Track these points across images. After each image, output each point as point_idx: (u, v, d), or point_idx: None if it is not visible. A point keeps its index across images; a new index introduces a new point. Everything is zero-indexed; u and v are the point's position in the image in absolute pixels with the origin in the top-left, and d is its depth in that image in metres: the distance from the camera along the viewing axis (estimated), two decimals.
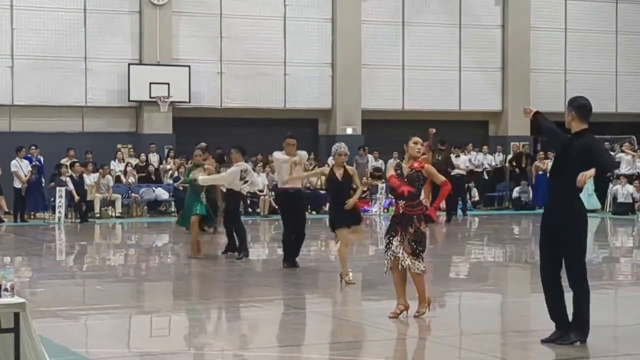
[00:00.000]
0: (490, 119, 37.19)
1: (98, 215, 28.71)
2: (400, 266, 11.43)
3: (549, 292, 10.01)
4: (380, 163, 32.96)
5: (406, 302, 11.59)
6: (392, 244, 11.47)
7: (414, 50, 35.62)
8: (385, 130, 33.60)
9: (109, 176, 29.44)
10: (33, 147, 28.65)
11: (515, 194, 33.74)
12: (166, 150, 31.98)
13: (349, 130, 34.44)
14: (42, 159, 28.94)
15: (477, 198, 33.79)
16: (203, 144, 18.77)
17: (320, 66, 34.66)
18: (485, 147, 35.31)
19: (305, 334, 11.20)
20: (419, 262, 11.41)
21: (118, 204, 29.48)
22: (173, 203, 30.22)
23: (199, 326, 11.97)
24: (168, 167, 30.80)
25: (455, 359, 9.82)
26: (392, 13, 35.47)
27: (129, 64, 32.04)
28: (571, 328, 9.90)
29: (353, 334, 11.25)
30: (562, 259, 9.88)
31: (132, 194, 29.99)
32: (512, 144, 35.98)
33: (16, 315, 7.08)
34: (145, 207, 30.72)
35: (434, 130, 24.09)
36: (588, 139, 9.81)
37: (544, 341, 9.95)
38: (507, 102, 36.81)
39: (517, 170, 34.49)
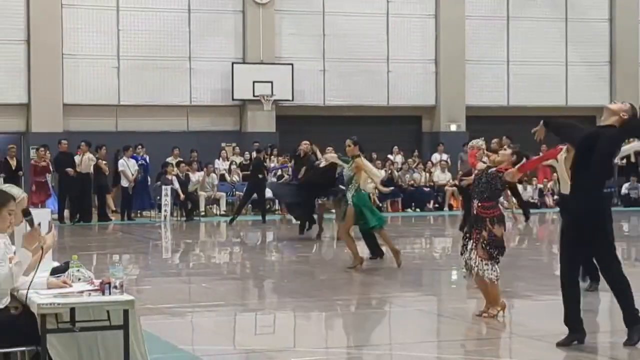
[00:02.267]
0: (598, 114, 36.35)
1: (203, 213, 28.95)
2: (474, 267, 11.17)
3: (569, 293, 9.67)
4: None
5: (503, 302, 11.31)
6: (466, 248, 11.22)
7: (519, 45, 35.18)
8: (490, 127, 33.18)
9: (213, 174, 29.67)
10: (139, 147, 29.00)
11: (624, 190, 33.07)
12: (269, 148, 32.07)
13: (453, 127, 34.17)
14: (147, 158, 29.28)
15: None
16: (354, 137, 17.28)
17: (423, 62, 34.45)
18: None
19: (410, 331, 11.06)
20: (492, 268, 11.02)
21: (223, 202, 29.71)
22: (277, 201, 30.29)
23: (304, 324, 11.93)
24: (272, 165, 30.89)
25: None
26: (496, 8, 35.09)
27: (233, 63, 32.26)
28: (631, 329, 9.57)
29: (459, 331, 11.08)
30: (588, 256, 9.68)
31: (237, 192, 30.15)
32: None
33: (125, 313, 7.11)
34: (250, 205, 30.85)
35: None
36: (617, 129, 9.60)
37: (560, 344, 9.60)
38: (615, 96, 36.00)
39: (629, 164, 33.77)
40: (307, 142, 23.40)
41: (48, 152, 27.38)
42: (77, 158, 27.19)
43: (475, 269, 11.05)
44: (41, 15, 30.37)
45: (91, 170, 27.16)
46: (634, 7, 36.09)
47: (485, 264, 10.98)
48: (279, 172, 28.99)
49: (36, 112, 30.48)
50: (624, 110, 9.74)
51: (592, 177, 9.55)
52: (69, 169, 26.64)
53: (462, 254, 11.30)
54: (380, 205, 29.05)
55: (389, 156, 32.47)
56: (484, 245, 10.99)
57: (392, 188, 14.21)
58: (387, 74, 34.06)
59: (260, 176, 26.68)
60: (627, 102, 10.00)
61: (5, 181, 24.14)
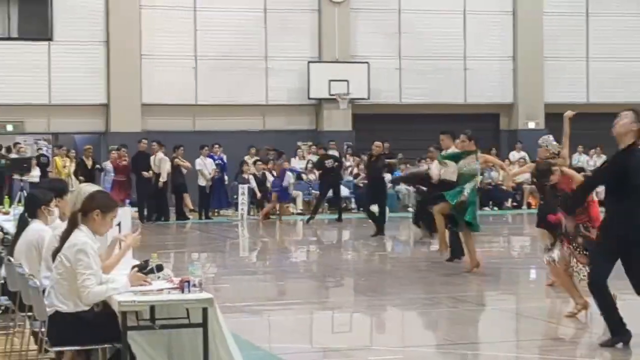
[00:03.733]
0: None
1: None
2: (570, 270, 10.93)
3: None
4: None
5: (585, 300, 11.03)
6: (554, 249, 11.02)
7: (598, 41, 34.71)
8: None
9: (289, 173, 29.72)
10: (216, 146, 29.19)
11: None
12: (345, 147, 32.08)
13: (531, 125, 33.85)
14: (225, 157, 29.45)
15: None
16: (468, 131, 16.66)
17: (501, 59, 34.19)
18: None
19: (489, 331, 10.99)
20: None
21: (299, 201, 29.77)
22: (353, 200, 30.31)
23: (381, 322, 11.92)
24: (347, 163, 30.88)
25: None
26: (575, 4, 34.69)
27: (309, 62, 32.33)
28: None
29: (538, 331, 10.98)
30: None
31: (313, 191, 30.19)
32: None
33: (204, 311, 7.17)
34: (326, 204, 30.86)
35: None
36: None
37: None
38: None
39: None
40: (380, 144, 23.22)
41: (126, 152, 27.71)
42: (152, 158, 27.46)
43: (579, 276, 10.80)
44: (120, 16, 30.74)
45: (167, 169, 27.30)
46: None
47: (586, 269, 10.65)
48: (355, 170, 28.95)
49: (115, 113, 30.86)
50: (632, 122, 9.49)
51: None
52: (145, 172, 26.87)
53: (549, 250, 11.17)
54: None
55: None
56: (582, 252, 10.76)
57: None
58: (464, 72, 33.86)
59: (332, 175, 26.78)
60: (626, 112, 9.68)
61: (83, 181, 24.46)
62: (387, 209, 23.45)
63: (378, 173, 22.80)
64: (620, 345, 9.45)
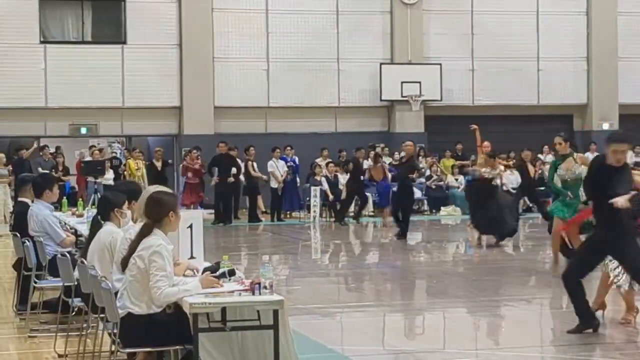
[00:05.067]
0: None
1: (352, 214, 28.97)
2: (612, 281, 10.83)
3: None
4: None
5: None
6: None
7: None
8: None
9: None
10: (288, 148, 29.26)
11: None
12: (417, 149, 31.93)
13: (606, 126, 33.43)
14: (297, 159, 29.52)
15: None
16: (562, 134, 15.64)
17: (574, 60, 33.83)
18: None
19: (559, 334, 10.83)
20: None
21: (370, 203, 29.67)
22: (426, 202, 30.19)
23: (454, 325, 11.84)
24: (421, 165, 30.75)
25: None
26: None
27: (381, 64, 32.28)
28: None
29: (599, 335, 10.80)
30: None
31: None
32: None
33: (275, 313, 7.17)
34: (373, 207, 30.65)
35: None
36: None
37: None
38: None
39: None
40: (411, 144, 22.82)
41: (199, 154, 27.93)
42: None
43: (627, 284, 10.69)
44: (193, 19, 30.97)
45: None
46: None
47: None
48: (428, 172, 28.75)
49: (188, 115, 31.08)
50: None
51: None
52: (231, 179, 26.93)
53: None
54: (531, 205, 28.63)
55: (539, 156, 31.94)
56: None
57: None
58: (537, 72, 33.57)
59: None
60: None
61: (152, 183, 24.64)
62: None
63: (405, 176, 22.35)
64: (590, 331, 10.15)
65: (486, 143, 21.27)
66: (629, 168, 10.27)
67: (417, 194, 29.88)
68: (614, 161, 9.87)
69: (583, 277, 10.42)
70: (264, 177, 27.71)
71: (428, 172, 30.04)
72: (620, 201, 9.50)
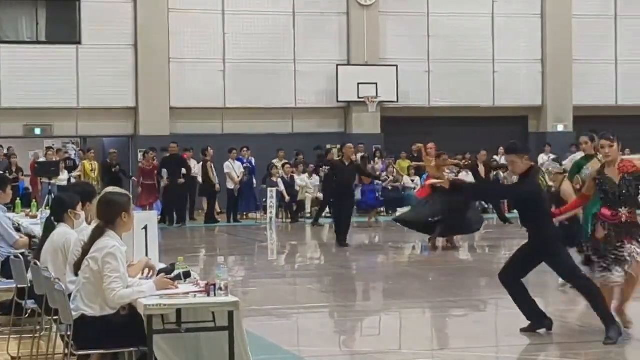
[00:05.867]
0: None
1: (308, 215, 28.99)
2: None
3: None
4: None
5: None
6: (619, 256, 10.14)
7: (627, 43, 34.53)
8: (598, 127, 32.58)
9: (315, 175, 29.69)
10: (245, 149, 29.20)
11: None
12: (373, 150, 32.02)
13: (560, 128, 33.70)
14: (253, 160, 29.47)
15: None
16: (588, 133, 14.09)
17: (529, 62, 34.05)
18: None
19: (516, 334, 10.87)
20: None
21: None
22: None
23: (410, 326, 11.86)
24: (376, 167, 30.81)
25: None
26: (603, 6, 34.49)
27: (337, 65, 32.29)
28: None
29: (569, 335, 10.87)
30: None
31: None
32: None
33: (230, 314, 7.14)
34: (355, 207, 30.76)
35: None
36: None
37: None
38: None
39: None
40: (351, 146, 22.31)
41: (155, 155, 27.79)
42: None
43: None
44: (148, 20, 30.80)
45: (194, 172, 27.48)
46: None
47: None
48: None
49: (144, 116, 30.90)
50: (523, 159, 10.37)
51: None
52: (181, 180, 26.89)
53: (606, 268, 10.25)
54: (486, 206, 28.77)
55: (495, 157, 32.13)
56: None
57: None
58: (493, 74, 33.74)
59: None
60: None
61: (107, 184, 24.49)
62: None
63: (348, 179, 21.78)
64: (542, 331, 10.34)
65: (430, 145, 21.38)
66: (528, 177, 10.31)
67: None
68: (511, 171, 10.23)
69: (522, 278, 10.65)
70: (217, 185, 27.56)
71: (385, 174, 30.05)
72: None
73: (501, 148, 31.91)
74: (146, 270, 7.90)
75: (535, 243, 10.35)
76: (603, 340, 9.82)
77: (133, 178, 28.31)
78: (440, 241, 20.29)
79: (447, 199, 19.15)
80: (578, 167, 13.74)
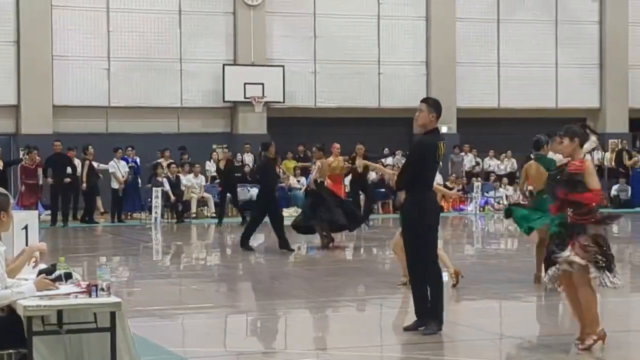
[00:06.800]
0: (588, 116, 36.51)
1: (194, 215, 28.88)
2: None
3: None
4: (469, 160, 32.59)
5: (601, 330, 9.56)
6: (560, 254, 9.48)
7: (509, 47, 35.23)
8: (481, 129, 33.30)
9: (201, 176, 29.59)
10: (129, 149, 28.93)
11: (613, 192, 33.10)
12: (260, 150, 31.99)
13: (444, 129, 34.05)
14: (138, 159, 29.21)
15: None
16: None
17: (414, 64, 34.47)
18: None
19: (391, 333, 10.99)
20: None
21: (211, 204, 29.56)
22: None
23: (295, 326, 11.89)
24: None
25: None
26: (486, 10, 35.13)
27: (224, 65, 32.22)
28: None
29: (447, 334, 11.02)
30: None
31: (228, 194, 30.00)
32: (610, 141, 35.33)
33: (112, 315, 7.06)
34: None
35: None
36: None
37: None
38: (605, 99, 36.19)
39: (620, 168, 33.82)
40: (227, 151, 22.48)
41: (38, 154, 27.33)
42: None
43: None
44: (31, 16, 30.28)
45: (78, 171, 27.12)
46: (624, 9, 36.14)
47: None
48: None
49: (26, 114, 30.38)
50: (429, 114, 10.52)
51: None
52: (67, 179, 26.51)
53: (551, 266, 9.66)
54: (372, 206, 29.00)
55: (382, 160, 32.43)
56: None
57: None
58: (378, 76, 34.05)
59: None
60: (421, 105, 10.66)
61: None
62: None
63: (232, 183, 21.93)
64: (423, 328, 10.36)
65: (336, 145, 21.79)
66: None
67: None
68: None
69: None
70: (84, 185, 27.18)
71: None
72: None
73: (386, 149, 32.39)
74: (32, 260, 7.74)
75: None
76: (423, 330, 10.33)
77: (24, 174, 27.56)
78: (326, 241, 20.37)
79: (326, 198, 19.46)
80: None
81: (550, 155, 14.14)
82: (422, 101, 10.72)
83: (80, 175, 27.18)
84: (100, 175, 27.65)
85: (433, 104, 10.57)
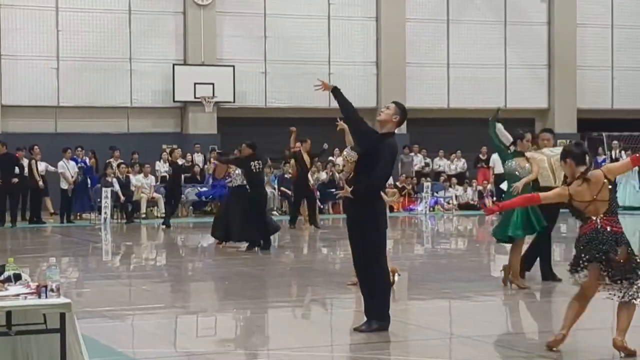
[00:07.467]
0: (537, 117, 36.87)
1: (144, 215, 28.78)
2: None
3: None
4: (420, 160, 32.74)
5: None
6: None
7: (459, 48, 35.46)
8: (431, 129, 33.46)
9: (151, 176, 29.49)
10: (79, 149, 28.75)
11: None
12: (210, 150, 31.95)
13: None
14: (87, 160, 29.05)
15: None
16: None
17: (364, 65, 34.59)
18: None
19: (341, 333, 11.04)
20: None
21: (161, 204, 29.46)
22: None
23: (245, 326, 11.90)
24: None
25: None
26: (436, 11, 35.33)
27: (174, 65, 32.13)
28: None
29: (397, 334, 11.08)
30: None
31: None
32: (558, 141, 35.58)
33: (62, 316, 7.03)
34: (191, 208, 30.75)
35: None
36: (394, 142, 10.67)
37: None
38: (553, 99, 36.52)
39: None
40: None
41: None
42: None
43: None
44: None
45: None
46: (572, 10, 36.51)
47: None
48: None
49: None
50: (393, 114, 10.67)
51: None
52: (15, 179, 26.30)
53: (583, 268, 8.97)
54: (322, 207, 29.08)
55: (331, 158, 32.51)
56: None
57: None
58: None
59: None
60: (390, 104, 10.84)
61: None
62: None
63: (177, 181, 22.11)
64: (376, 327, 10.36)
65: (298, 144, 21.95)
66: None
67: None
68: None
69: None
70: (41, 183, 27.00)
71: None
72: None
73: (337, 149, 32.37)
74: None
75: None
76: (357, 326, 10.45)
77: None
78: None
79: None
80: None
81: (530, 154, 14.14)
82: (393, 102, 10.94)
83: (27, 176, 26.94)
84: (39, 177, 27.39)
85: (401, 109, 10.72)
